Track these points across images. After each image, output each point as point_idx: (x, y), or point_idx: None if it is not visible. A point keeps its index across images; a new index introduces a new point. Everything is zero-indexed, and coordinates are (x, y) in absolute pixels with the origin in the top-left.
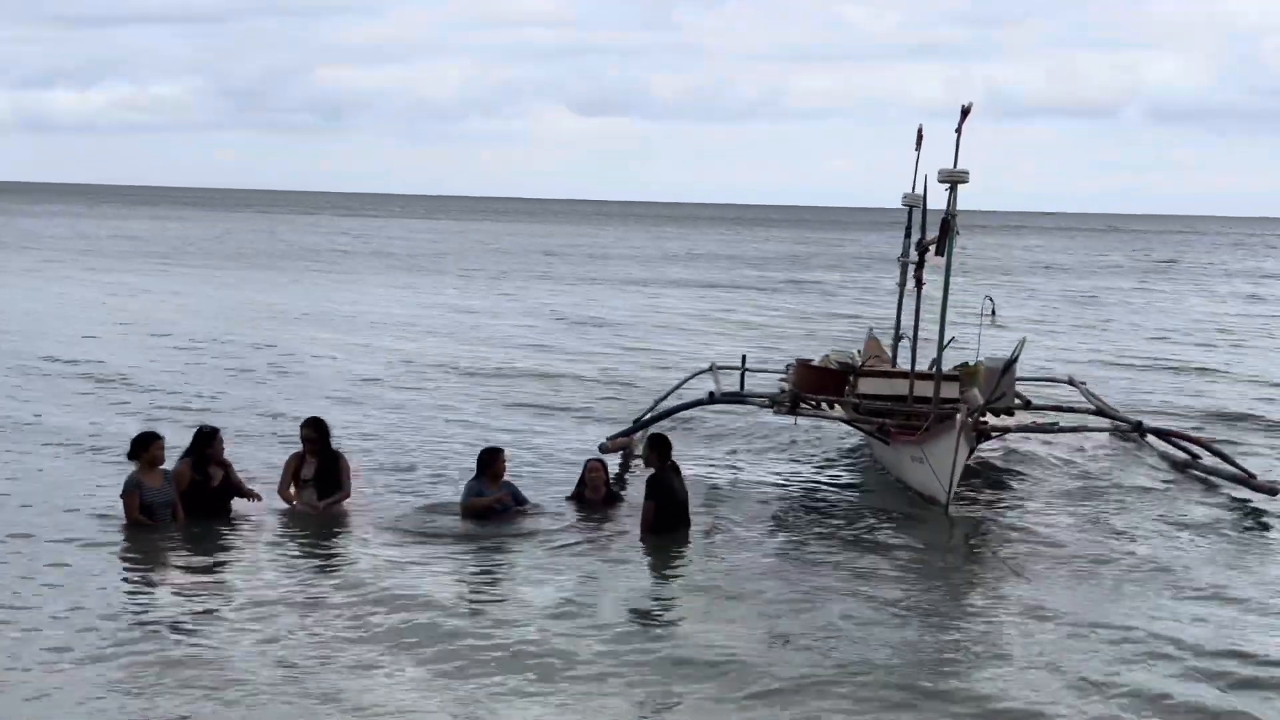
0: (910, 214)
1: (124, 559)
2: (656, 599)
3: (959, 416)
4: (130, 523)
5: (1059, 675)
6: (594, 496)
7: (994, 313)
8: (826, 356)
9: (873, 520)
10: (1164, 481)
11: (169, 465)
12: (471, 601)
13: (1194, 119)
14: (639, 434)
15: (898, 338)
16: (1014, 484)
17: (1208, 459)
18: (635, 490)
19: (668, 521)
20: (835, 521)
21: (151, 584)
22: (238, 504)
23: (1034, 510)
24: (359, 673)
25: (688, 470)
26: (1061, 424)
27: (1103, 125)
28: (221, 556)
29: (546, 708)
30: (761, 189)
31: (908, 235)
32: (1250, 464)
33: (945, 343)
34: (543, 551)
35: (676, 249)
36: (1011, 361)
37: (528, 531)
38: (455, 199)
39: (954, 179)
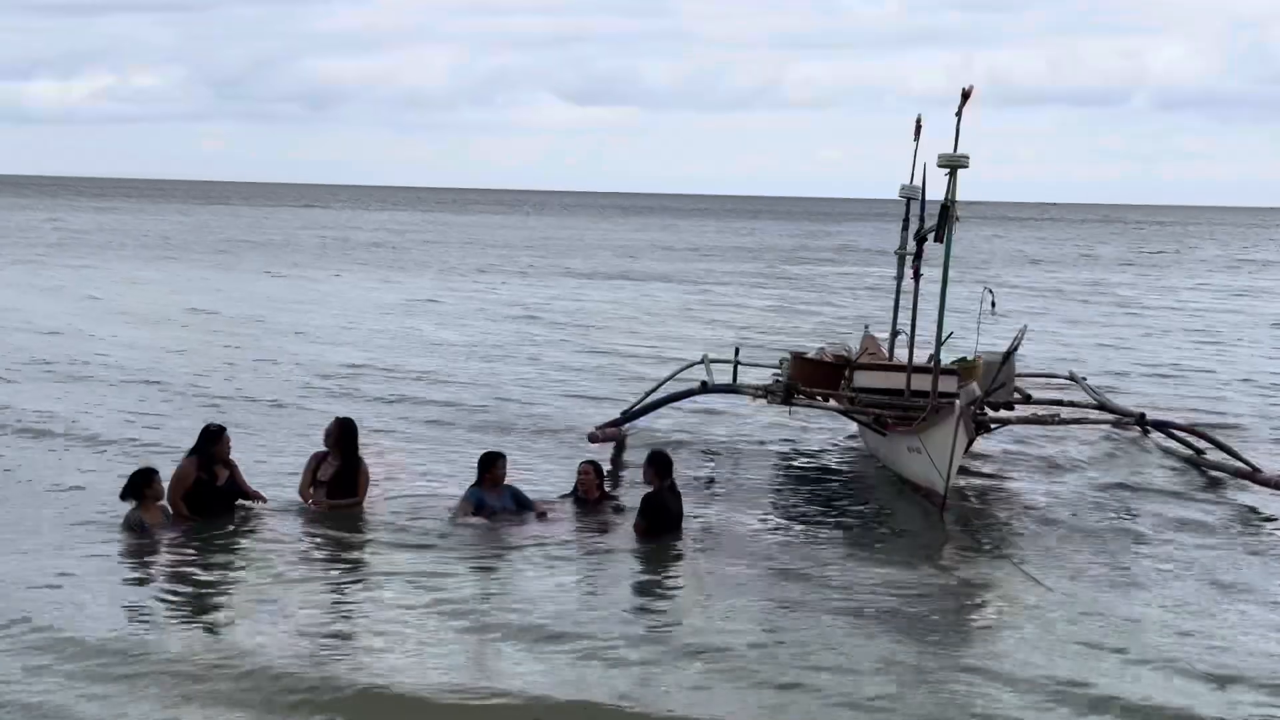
0: (908, 206)
1: (124, 559)
2: (648, 602)
3: (957, 403)
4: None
5: (1060, 676)
6: (587, 498)
7: (994, 304)
8: (821, 349)
9: (868, 517)
10: (1168, 477)
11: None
12: (472, 600)
13: (1200, 107)
14: (628, 425)
15: (894, 333)
16: (1014, 479)
17: (1212, 453)
18: (627, 489)
19: (662, 535)
20: (830, 518)
21: (152, 583)
22: (242, 504)
23: (1034, 507)
24: (359, 669)
25: (679, 464)
26: (1062, 416)
27: (1107, 113)
28: (225, 556)
29: (545, 703)
30: (757, 179)
31: (905, 228)
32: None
33: (944, 337)
34: (537, 554)
35: (671, 240)
36: (1011, 350)
37: (524, 535)
38: (446, 190)
39: (954, 163)
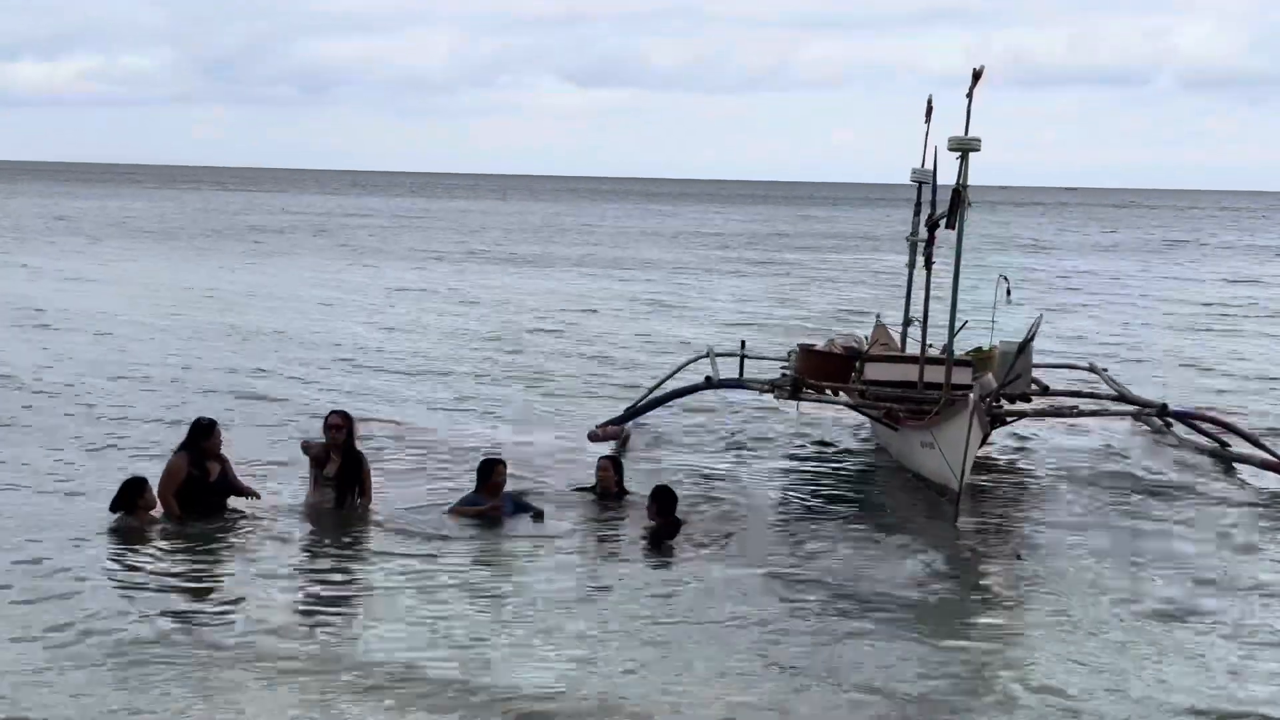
0: (919, 190)
1: (112, 558)
2: (655, 601)
3: (971, 397)
4: None
5: (1077, 682)
6: (605, 493)
7: (1009, 293)
8: (831, 341)
9: (880, 514)
10: (1192, 471)
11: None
12: (469, 598)
13: (1227, 87)
14: (631, 422)
15: (907, 323)
16: (1032, 474)
17: (1237, 444)
18: (639, 485)
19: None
20: (840, 516)
21: (141, 581)
22: (234, 501)
23: (1053, 503)
24: (355, 670)
25: (684, 462)
26: (1081, 408)
27: (1131, 94)
28: (215, 554)
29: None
30: (766, 163)
31: (917, 213)
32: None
33: (958, 327)
34: (546, 551)
35: (679, 227)
36: (1028, 340)
37: (533, 533)
38: (445, 175)
39: (965, 146)
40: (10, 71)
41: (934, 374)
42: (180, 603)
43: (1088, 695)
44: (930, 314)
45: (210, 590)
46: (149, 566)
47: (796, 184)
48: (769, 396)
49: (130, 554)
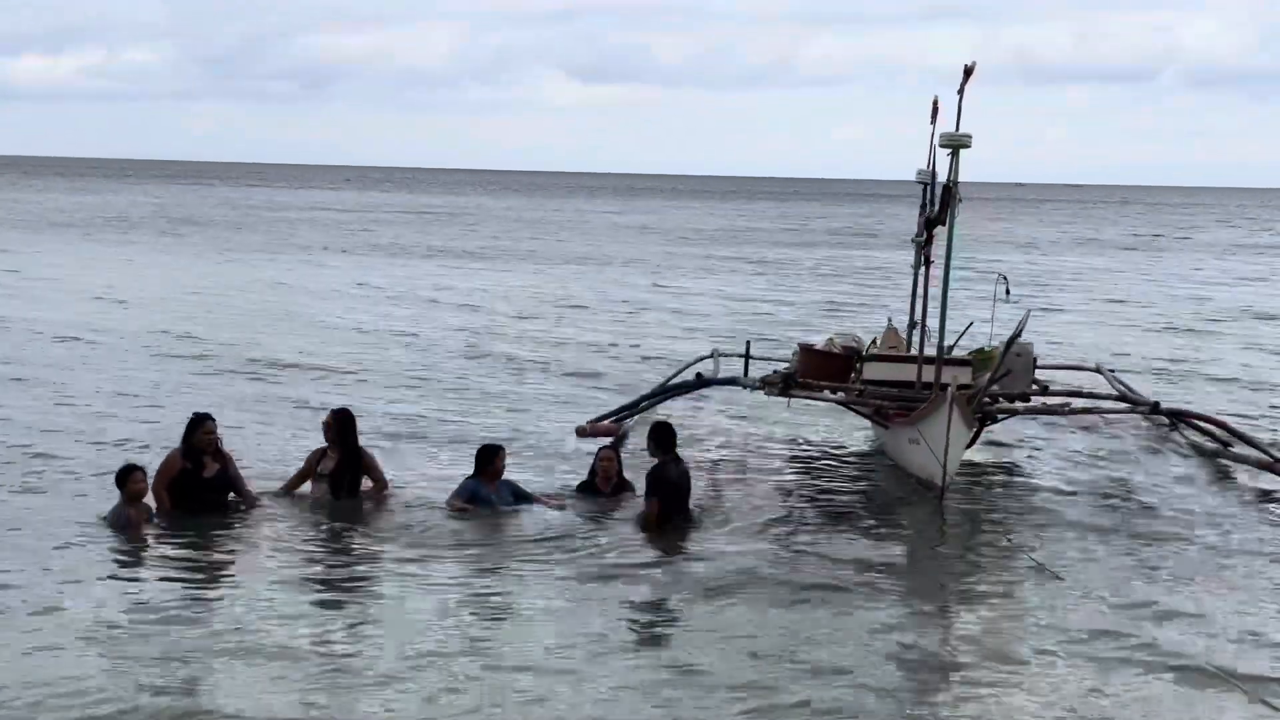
0: (924, 191)
1: (102, 555)
2: (653, 599)
3: (950, 390)
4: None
5: (1070, 680)
6: (604, 487)
7: (1008, 291)
8: (830, 340)
9: (879, 513)
10: (1185, 468)
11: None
12: (467, 596)
13: (1233, 84)
14: (628, 420)
15: (912, 324)
16: (1027, 473)
17: (1233, 444)
18: (638, 479)
19: (671, 517)
20: (840, 515)
21: (132, 578)
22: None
23: (1047, 501)
24: (354, 668)
25: (685, 457)
26: (1074, 405)
27: (1137, 91)
28: (206, 552)
29: (545, 699)
30: (769, 160)
31: (922, 212)
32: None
33: (965, 328)
34: (544, 546)
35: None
36: (1014, 337)
37: (531, 526)
38: (447, 171)
39: (956, 143)
40: (11, 67)
41: (933, 374)
42: (158, 601)
43: (1081, 693)
44: (928, 313)
45: (190, 589)
46: (127, 562)
47: (801, 180)
48: (761, 394)
49: (111, 551)
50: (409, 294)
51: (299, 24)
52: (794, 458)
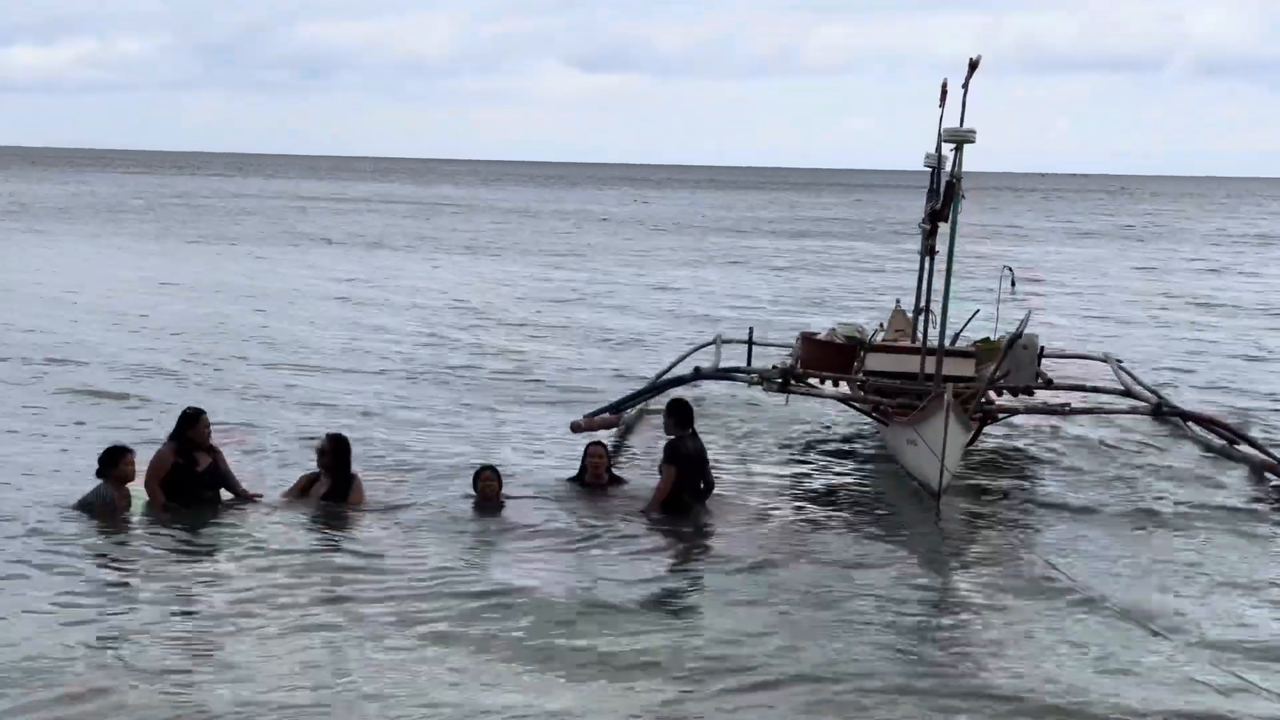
0: (933, 175)
1: (92, 553)
2: (653, 590)
3: (945, 394)
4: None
5: (1070, 680)
6: (594, 481)
7: (1014, 283)
8: (833, 330)
9: (879, 508)
10: (1191, 467)
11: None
12: (467, 593)
13: (1241, 73)
14: (624, 412)
15: (918, 310)
16: (1028, 471)
17: (1235, 444)
18: (633, 472)
19: (688, 488)
20: (841, 510)
21: (122, 576)
22: (227, 495)
23: (1049, 498)
24: (352, 666)
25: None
26: (1074, 405)
27: (1145, 79)
28: (200, 547)
29: (542, 696)
30: (773, 150)
31: (929, 197)
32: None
33: (970, 316)
34: (540, 540)
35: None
36: (1016, 336)
37: (528, 520)
38: (447, 162)
39: (959, 139)
40: (6, 56)
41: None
42: (151, 599)
43: (1080, 691)
44: (932, 299)
45: (183, 586)
46: (118, 558)
47: (806, 170)
48: (759, 389)
49: (96, 549)
50: (390, 290)
51: (296, 13)
52: (793, 452)
